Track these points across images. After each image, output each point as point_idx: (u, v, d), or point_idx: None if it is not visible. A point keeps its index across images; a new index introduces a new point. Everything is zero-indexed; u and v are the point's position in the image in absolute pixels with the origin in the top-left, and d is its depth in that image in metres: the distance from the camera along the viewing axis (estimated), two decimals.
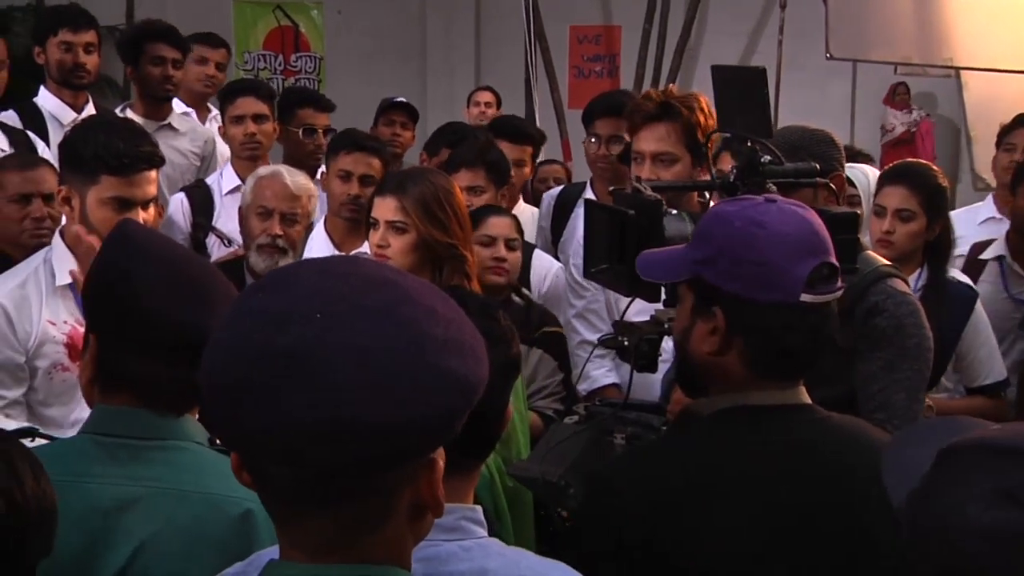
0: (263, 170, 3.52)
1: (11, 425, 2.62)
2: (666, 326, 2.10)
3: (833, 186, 2.45)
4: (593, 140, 3.99)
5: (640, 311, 2.30)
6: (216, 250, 4.02)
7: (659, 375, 2.42)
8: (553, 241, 4.30)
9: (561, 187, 4.61)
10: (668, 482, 1.74)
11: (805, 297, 1.72)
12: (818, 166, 2.39)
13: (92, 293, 1.78)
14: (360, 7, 9.17)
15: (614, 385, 3.40)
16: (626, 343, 2.17)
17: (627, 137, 3.36)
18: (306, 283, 1.13)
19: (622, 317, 2.29)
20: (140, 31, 4.78)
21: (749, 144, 2.28)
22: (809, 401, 1.83)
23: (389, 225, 2.84)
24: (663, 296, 2.15)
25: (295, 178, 3.45)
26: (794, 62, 7.32)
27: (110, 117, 3.80)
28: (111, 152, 2.69)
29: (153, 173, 2.77)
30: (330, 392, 1.05)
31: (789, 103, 6.56)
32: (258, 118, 4.14)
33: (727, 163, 4.19)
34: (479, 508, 1.55)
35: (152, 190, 2.78)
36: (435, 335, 1.11)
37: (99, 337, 1.76)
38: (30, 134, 4.04)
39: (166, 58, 4.51)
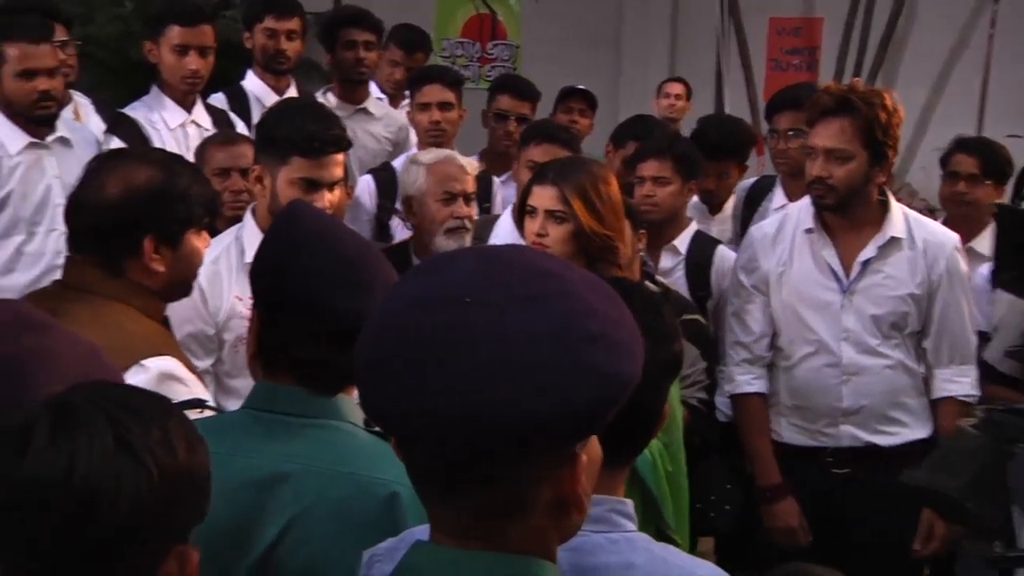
0: (431, 156, 3.54)
1: (181, 395, 2.77)
2: None
3: None
4: (773, 134, 3.90)
5: None
6: (399, 232, 4.11)
7: None
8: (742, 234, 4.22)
9: (755, 179, 4.53)
10: None
11: None
12: None
13: (257, 273, 1.83)
14: None
15: (758, 395, 3.33)
16: None
17: (807, 131, 3.28)
18: (463, 268, 1.14)
19: None
20: (335, 17, 4.95)
21: None
22: None
23: (548, 214, 2.84)
24: None
25: (463, 158, 3.51)
26: (1003, 57, 6.93)
27: (304, 100, 3.96)
28: (302, 134, 2.80)
29: (340, 156, 2.87)
30: (469, 377, 1.06)
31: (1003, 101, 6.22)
32: (444, 105, 4.20)
33: (964, 165, 4.07)
34: (629, 502, 1.54)
35: (338, 172, 2.87)
36: (586, 329, 1.10)
37: (262, 316, 1.82)
38: (231, 114, 4.23)
39: (357, 41, 4.63)
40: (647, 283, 3.28)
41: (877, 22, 8.41)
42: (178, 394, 2.07)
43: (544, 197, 2.85)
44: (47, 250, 3.69)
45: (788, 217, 3.37)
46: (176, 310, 2.82)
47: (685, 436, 2.85)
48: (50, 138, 3.72)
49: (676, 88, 6.84)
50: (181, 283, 2.28)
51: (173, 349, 2.24)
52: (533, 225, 2.86)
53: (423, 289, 1.13)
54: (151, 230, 2.16)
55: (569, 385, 1.07)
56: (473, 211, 3.46)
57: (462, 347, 1.07)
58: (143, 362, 2.09)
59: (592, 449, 1.20)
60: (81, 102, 4.35)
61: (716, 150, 4.12)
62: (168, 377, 2.13)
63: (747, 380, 3.34)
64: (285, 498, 1.72)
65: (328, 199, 2.82)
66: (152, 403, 1.23)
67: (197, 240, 2.26)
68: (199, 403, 2.09)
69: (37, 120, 3.68)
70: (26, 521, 1.13)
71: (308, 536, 1.71)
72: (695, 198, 4.33)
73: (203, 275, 2.77)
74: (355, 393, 1.74)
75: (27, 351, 1.34)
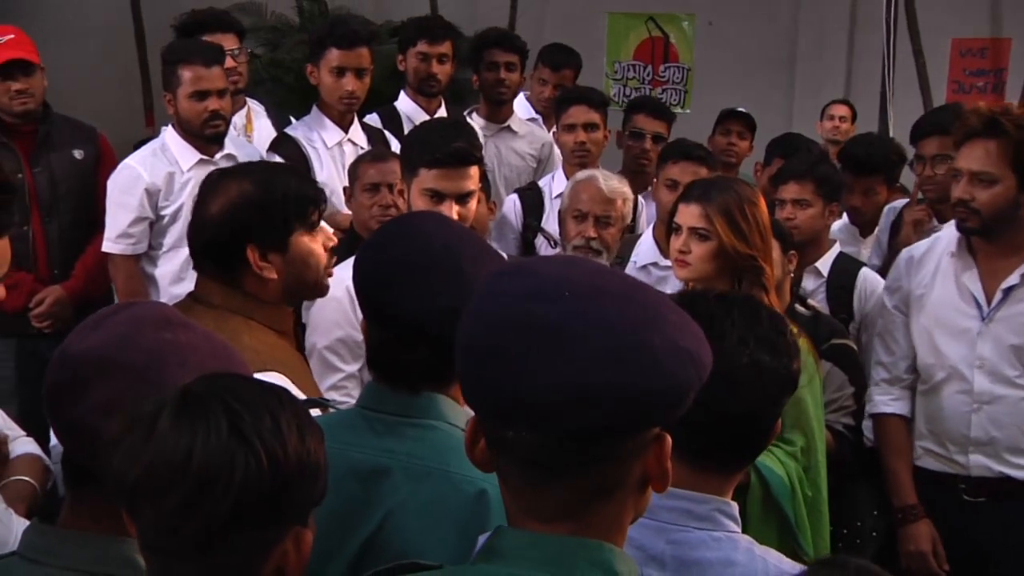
0: (580, 174, 3.65)
1: (331, 394, 2.90)
2: None
3: None
4: (920, 160, 3.81)
5: None
6: (544, 250, 4.20)
7: None
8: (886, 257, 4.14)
9: (904, 201, 4.43)
10: None
11: None
12: None
13: (359, 278, 1.92)
14: (732, 18, 9.11)
15: (896, 416, 3.25)
16: None
17: (954, 156, 3.20)
18: (548, 270, 1.24)
19: None
20: (479, 39, 5.08)
21: None
22: None
23: (692, 231, 2.85)
24: None
25: (609, 182, 3.56)
26: None
27: (442, 119, 4.09)
28: (427, 147, 2.92)
29: (470, 170, 2.94)
30: (580, 359, 1.15)
31: None
32: (589, 126, 4.28)
33: None
34: (734, 504, 1.60)
35: (467, 185, 2.94)
36: (671, 318, 1.21)
37: (367, 320, 1.92)
38: (387, 133, 4.40)
39: (499, 63, 4.77)
40: (797, 305, 3.27)
41: None
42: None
43: (688, 215, 2.87)
44: None
45: (939, 240, 3.31)
46: (325, 316, 2.97)
47: (830, 461, 2.85)
48: (219, 155, 3.92)
49: (841, 110, 6.72)
50: (301, 285, 2.33)
51: (288, 364, 2.28)
52: (677, 242, 2.89)
53: (522, 286, 1.21)
54: (251, 239, 2.24)
55: (669, 364, 1.17)
56: (607, 233, 3.50)
57: (570, 333, 1.16)
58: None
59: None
60: (254, 107, 4.57)
61: (861, 166, 4.06)
62: None
63: (885, 401, 3.30)
64: (384, 491, 1.80)
65: (457, 211, 2.89)
66: (267, 394, 1.34)
67: (309, 240, 2.30)
68: (324, 403, 2.21)
69: (207, 138, 3.88)
70: (153, 498, 1.25)
71: (402, 528, 1.79)
72: (846, 220, 4.27)
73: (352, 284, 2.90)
74: (455, 392, 1.83)
75: (169, 344, 1.46)
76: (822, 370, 3.10)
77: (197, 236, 2.32)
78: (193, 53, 3.90)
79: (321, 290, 2.41)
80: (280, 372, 2.14)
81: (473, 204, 3.00)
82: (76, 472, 1.49)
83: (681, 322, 1.22)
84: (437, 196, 2.91)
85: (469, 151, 2.94)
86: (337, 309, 2.89)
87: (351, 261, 2.95)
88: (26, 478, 2.24)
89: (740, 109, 5.27)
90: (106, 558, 1.45)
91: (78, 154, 4.12)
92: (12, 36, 4.00)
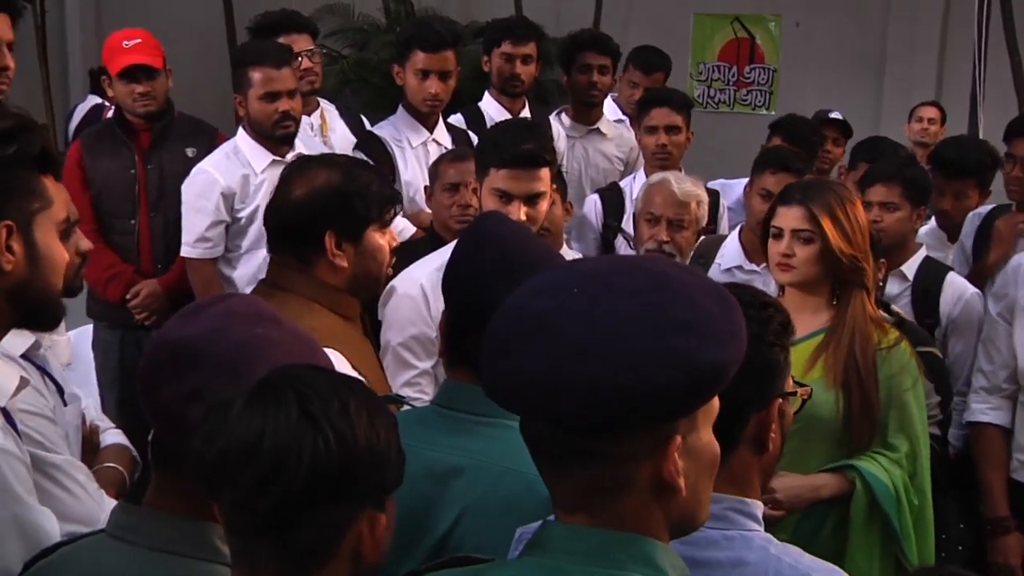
0: (653, 177, 3.64)
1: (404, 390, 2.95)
2: None
3: None
4: (1010, 160, 3.73)
5: None
6: (623, 250, 4.19)
7: None
8: (973, 263, 4.06)
9: (990, 207, 4.34)
10: None
11: None
12: None
13: (447, 276, 1.98)
14: (819, 17, 9.01)
15: (993, 426, 3.19)
16: None
17: None
18: (585, 266, 1.29)
19: None
20: (572, 40, 5.08)
21: None
22: None
23: (795, 234, 2.78)
24: None
25: (683, 185, 3.53)
26: None
27: (517, 120, 4.12)
28: (498, 148, 2.95)
29: (540, 172, 2.95)
30: (561, 350, 1.19)
31: None
32: (671, 129, 4.25)
33: None
34: (754, 502, 1.58)
35: (536, 187, 2.95)
36: (676, 318, 1.20)
37: (449, 315, 1.97)
38: (471, 134, 4.43)
39: (592, 65, 4.76)
40: (881, 311, 3.22)
41: None
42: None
43: (791, 217, 2.80)
44: None
45: None
46: (400, 313, 3.01)
47: None
48: (290, 155, 3.94)
49: (930, 112, 6.59)
50: (367, 278, 2.42)
51: (349, 344, 2.35)
52: (779, 246, 2.81)
53: (551, 281, 1.27)
54: (331, 226, 2.33)
55: (648, 364, 1.17)
56: (680, 237, 3.49)
57: (558, 326, 1.20)
58: None
59: (702, 443, 1.27)
60: (327, 108, 4.62)
61: (953, 169, 3.98)
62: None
63: (983, 409, 3.25)
64: (458, 490, 1.83)
65: (525, 212, 2.91)
66: (337, 382, 1.39)
67: (380, 237, 2.39)
68: (396, 399, 2.26)
69: (278, 139, 3.93)
70: (229, 479, 1.31)
71: (476, 527, 1.81)
72: (933, 224, 4.19)
73: (428, 280, 2.93)
74: None
75: (259, 338, 1.53)
76: None
77: (277, 216, 2.41)
78: (262, 55, 3.95)
79: (380, 286, 2.52)
80: (338, 350, 2.18)
81: (543, 206, 3.00)
82: (163, 454, 1.56)
83: (692, 323, 1.20)
84: (505, 196, 2.93)
85: (539, 153, 2.94)
86: (411, 307, 2.93)
87: (426, 260, 3.04)
88: (116, 465, 2.31)
89: (835, 115, 5.20)
90: (186, 538, 1.51)
91: (191, 152, 4.19)
92: (139, 40, 4.09)
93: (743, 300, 1.39)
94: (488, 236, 1.94)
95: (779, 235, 2.83)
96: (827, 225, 2.74)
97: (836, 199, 2.79)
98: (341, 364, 2.22)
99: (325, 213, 2.33)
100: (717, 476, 1.33)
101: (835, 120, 5.16)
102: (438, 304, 3.00)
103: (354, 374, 2.31)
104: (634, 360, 1.17)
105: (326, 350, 2.20)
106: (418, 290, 2.94)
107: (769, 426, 1.62)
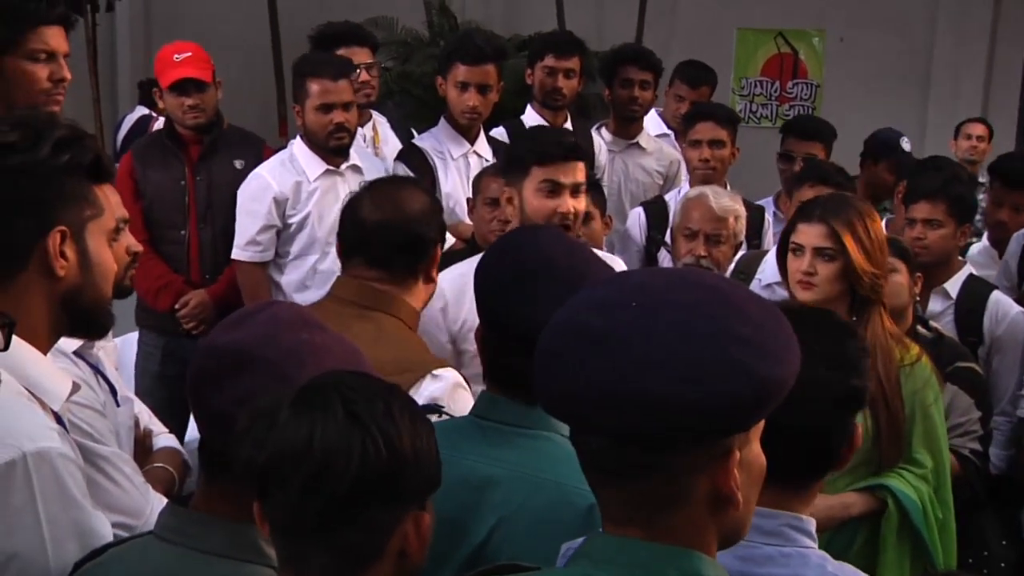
0: (691, 192, 3.64)
1: (468, 403, 2.96)
2: None
3: None
4: None
5: None
6: (666, 264, 4.19)
7: None
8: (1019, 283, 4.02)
9: None
10: None
11: None
12: None
13: (479, 288, 1.98)
14: (864, 33, 8.96)
15: None
16: None
17: None
18: (635, 280, 1.29)
19: None
20: (615, 55, 5.09)
21: None
22: None
23: (817, 251, 2.76)
24: None
25: (720, 200, 3.53)
26: None
27: (542, 126, 4.20)
28: (537, 145, 3.05)
29: (579, 164, 3.04)
30: (625, 365, 1.19)
31: None
32: (715, 143, 4.24)
33: None
34: (809, 519, 1.57)
35: (580, 177, 3.05)
36: (735, 332, 1.20)
37: (485, 329, 1.97)
38: None
39: (634, 80, 4.77)
40: (919, 327, 3.19)
41: None
42: (466, 402, 2.27)
43: (812, 234, 2.78)
44: (337, 269, 4.01)
45: None
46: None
47: (955, 487, 2.81)
48: (343, 166, 4.03)
49: (977, 129, 6.51)
50: (429, 297, 2.55)
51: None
52: (799, 263, 2.79)
53: (602, 295, 1.27)
54: (433, 247, 2.47)
55: (713, 377, 1.17)
56: (718, 251, 3.49)
57: (619, 341, 1.20)
58: (435, 372, 2.32)
59: (753, 456, 1.28)
60: (379, 120, 4.67)
61: (1012, 181, 3.94)
62: (458, 386, 2.35)
63: None
64: (495, 500, 1.83)
65: (571, 204, 2.99)
66: (379, 386, 1.42)
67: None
68: (436, 408, 2.27)
69: (332, 150, 3.99)
70: (279, 483, 1.33)
71: (512, 537, 1.81)
72: (985, 243, 4.16)
73: (449, 286, 2.97)
74: None
75: (306, 344, 1.55)
76: (947, 394, 3.03)
77: (396, 231, 2.47)
78: (322, 66, 4.00)
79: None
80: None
81: (584, 198, 3.08)
82: (212, 458, 1.58)
83: (751, 338, 1.20)
84: (555, 188, 2.99)
85: (577, 144, 3.07)
86: (427, 311, 2.96)
87: (453, 267, 3.08)
88: (166, 465, 2.35)
89: (905, 143, 5.12)
90: (232, 541, 1.53)
91: (239, 163, 4.24)
92: (189, 54, 4.15)
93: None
94: (526, 253, 1.94)
95: (799, 251, 2.81)
96: (849, 243, 2.72)
97: (856, 215, 2.77)
98: (463, 380, 2.42)
99: (438, 229, 2.50)
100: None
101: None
102: (456, 310, 3.05)
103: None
104: (699, 374, 1.17)
105: (447, 369, 2.39)
106: (439, 298, 2.97)
107: None
